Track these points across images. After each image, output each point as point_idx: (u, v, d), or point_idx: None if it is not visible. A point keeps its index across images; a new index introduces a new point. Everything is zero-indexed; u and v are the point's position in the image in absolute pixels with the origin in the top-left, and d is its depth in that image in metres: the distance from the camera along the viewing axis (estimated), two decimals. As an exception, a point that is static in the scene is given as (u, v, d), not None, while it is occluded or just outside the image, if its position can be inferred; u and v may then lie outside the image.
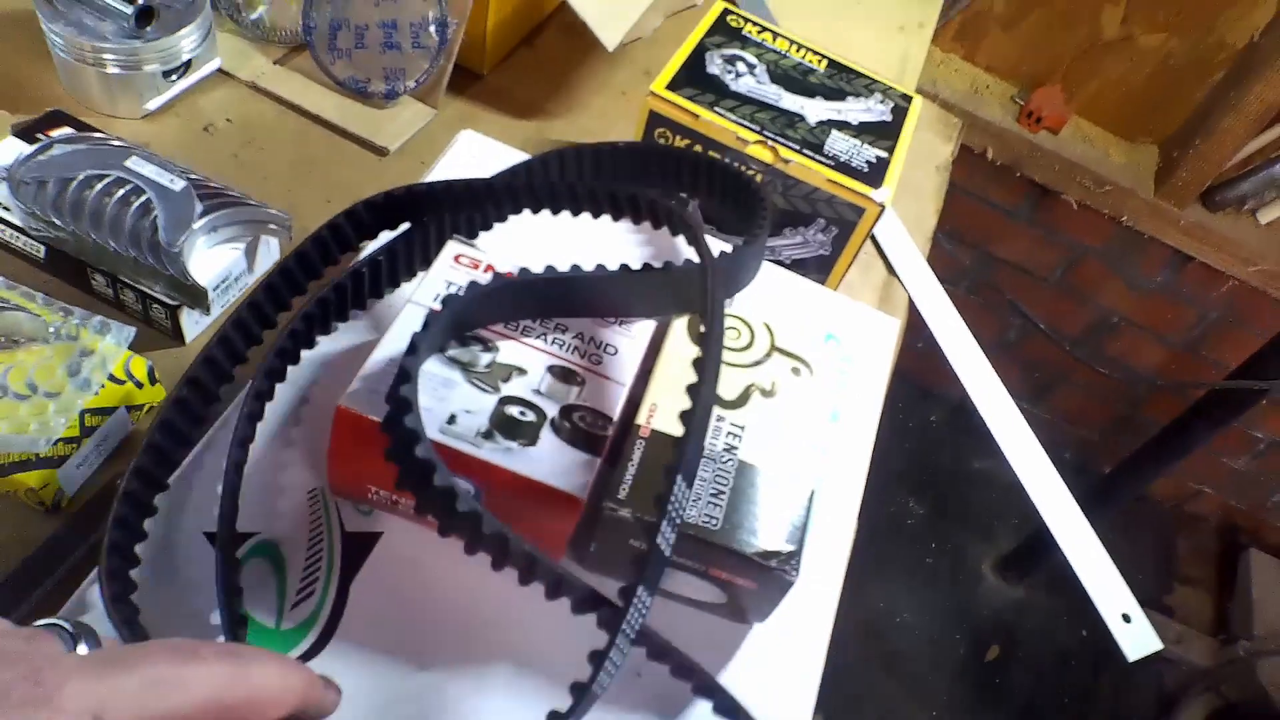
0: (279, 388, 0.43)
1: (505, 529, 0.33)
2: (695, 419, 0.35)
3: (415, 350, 0.35)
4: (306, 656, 0.37)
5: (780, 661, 0.43)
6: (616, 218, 0.47)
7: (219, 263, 0.53)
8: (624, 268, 0.42)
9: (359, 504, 0.41)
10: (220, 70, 0.66)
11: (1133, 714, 1.62)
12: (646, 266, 0.42)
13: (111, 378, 0.48)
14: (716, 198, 0.55)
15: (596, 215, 0.47)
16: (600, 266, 0.41)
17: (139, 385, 0.49)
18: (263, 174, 0.62)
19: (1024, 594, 1.67)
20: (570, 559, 0.42)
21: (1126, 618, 0.61)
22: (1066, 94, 1.44)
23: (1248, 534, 1.87)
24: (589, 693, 0.31)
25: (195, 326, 0.54)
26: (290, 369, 0.42)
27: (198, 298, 0.52)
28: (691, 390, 0.37)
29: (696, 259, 0.43)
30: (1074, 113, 1.47)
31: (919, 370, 1.72)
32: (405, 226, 0.45)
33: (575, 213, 0.47)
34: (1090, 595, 0.61)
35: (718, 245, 0.48)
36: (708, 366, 0.37)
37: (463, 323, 0.39)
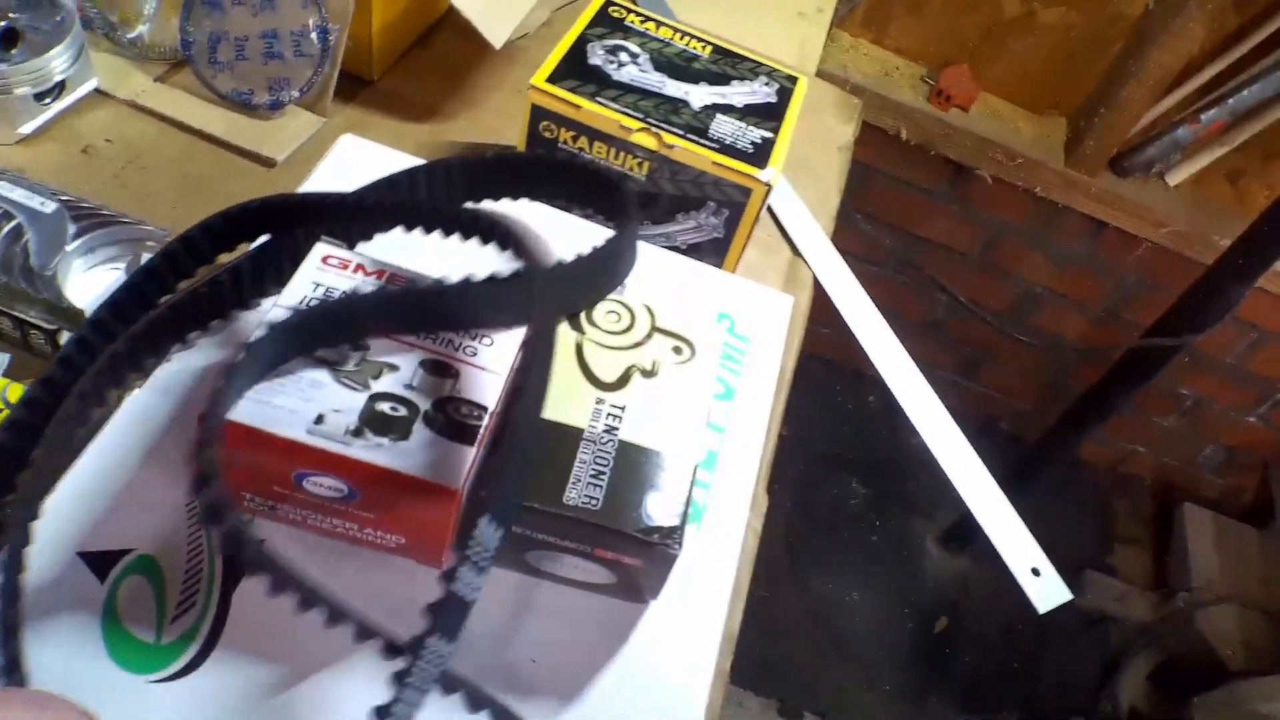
0: (153, 402, 0.42)
1: (283, 562, 0.32)
2: (507, 441, 0.34)
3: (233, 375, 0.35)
4: (187, 670, 0.37)
5: (680, 636, 0.43)
6: (466, 238, 0.47)
7: (98, 284, 0.52)
8: (467, 279, 0.40)
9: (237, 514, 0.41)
10: (98, 90, 0.65)
11: (1080, 675, 1.65)
12: (490, 277, 0.41)
13: (-12, 406, 0.47)
14: (588, 200, 0.54)
15: (447, 235, 0.47)
16: (465, 278, 0.40)
17: (18, 412, 0.48)
18: (146, 193, 0.62)
19: (968, 565, 1.69)
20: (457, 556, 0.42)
21: (1035, 571, 0.62)
22: (974, 72, 1.47)
23: (1181, 490, 1.92)
24: None
25: (78, 349, 0.53)
26: (157, 376, 0.42)
27: (75, 320, 0.51)
28: (511, 404, 0.36)
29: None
30: (982, 90, 1.50)
31: (851, 356, 1.74)
32: (265, 238, 0.44)
33: (429, 232, 0.46)
34: (999, 552, 0.63)
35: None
36: (529, 381, 0.36)
37: (280, 356, 0.38)
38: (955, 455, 0.66)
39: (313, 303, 0.40)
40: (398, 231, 0.45)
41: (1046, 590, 0.61)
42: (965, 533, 1.66)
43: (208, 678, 0.37)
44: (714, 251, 0.65)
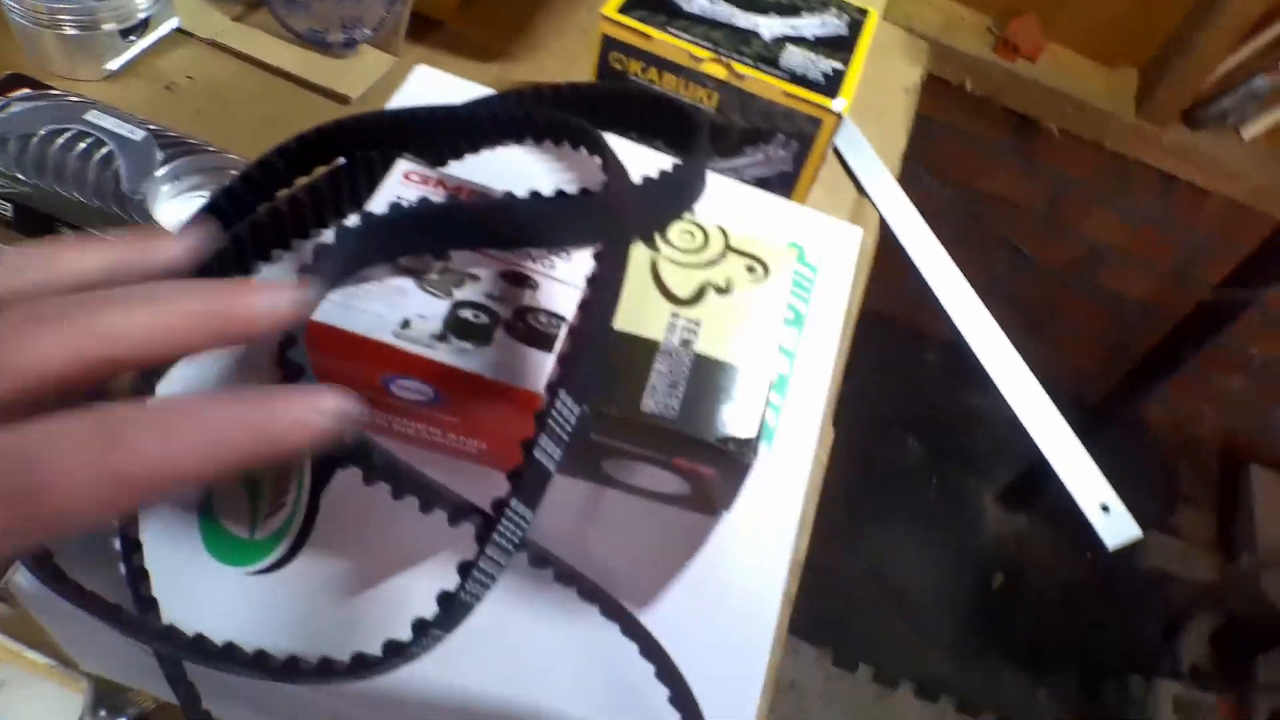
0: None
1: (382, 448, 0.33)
2: (585, 332, 0.34)
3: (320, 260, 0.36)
4: (282, 563, 0.39)
5: (751, 552, 0.44)
6: (556, 142, 0.48)
7: (184, 210, 0.54)
8: (540, 195, 0.41)
9: (328, 420, 0.42)
10: (179, 29, 0.67)
11: (1141, 634, 1.63)
12: (564, 194, 0.42)
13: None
14: (660, 130, 0.54)
15: (538, 141, 0.48)
16: (533, 193, 0.41)
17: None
18: (226, 129, 0.63)
19: (1026, 524, 1.68)
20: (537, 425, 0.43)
21: (1105, 508, 0.62)
22: (1042, 22, 1.44)
23: (1247, 452, 1.87)
24: (456, 601, 0.30)
25: (166, 274, 0.54)
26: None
27: (165, 243, 0.52)
28: (585, 305, 0.36)
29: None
30: (1051, 40, 1.46)
31: (909, 314, 1.73)
32: (343, 161, 0.45)
33: (517, 140, 0.47)
34: (1068, 489, 0.62)
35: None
36: (604, 285, 0.36)
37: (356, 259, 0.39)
38: (1024, 396, 0.66)
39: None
40: (483, 150, 0.46)
41: (1116, 526, 0.61)
42: (1025, 491, 1.64)
43: (302, 569, 0.38)
44: (782, 186, 0.64)
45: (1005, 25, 1.44)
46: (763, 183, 0.64)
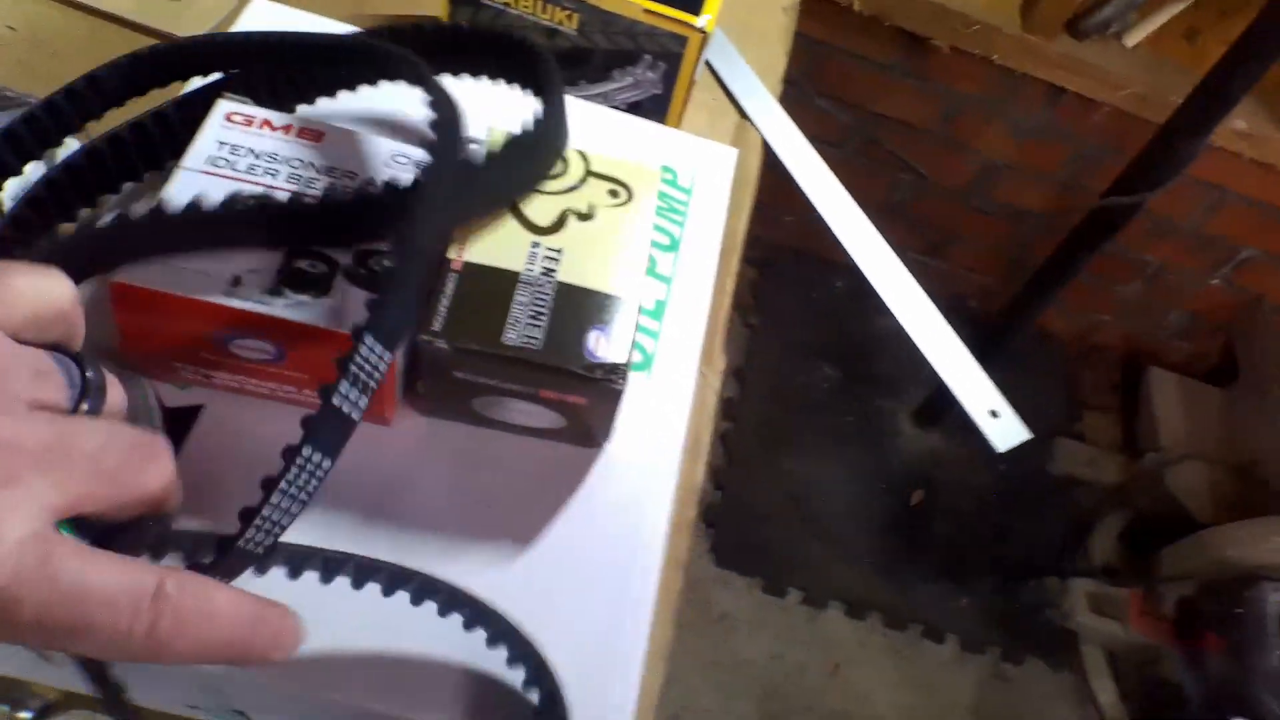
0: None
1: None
2: (395, 272, 0.32)
3: None
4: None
5: (634, 482, 0.43)
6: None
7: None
8: (366, 192, 0.38)
9: (174, 382, 0.40)
10: (-4, -23, 0.61)
11: (1054, 537, 1.70)
12: (391, 187, 0.38)
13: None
14: (509, 73, 0.51)
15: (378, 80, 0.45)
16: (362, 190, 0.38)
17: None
18: (57, 79, 0.58)
19: (940, 440, 1.72)
20: (407, 407, 0.42)
21: (994, 413, 0.63)
22: (926, -63, 1.43)
23: (1147, 357, 1.94)
24: (236, 548, 0.28)
25: None
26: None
27: (-11, 208, 0.49)
28: (397, 243, 0.34)
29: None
30: (935, -45, 1.45)
31: (816, 243, 1.74)
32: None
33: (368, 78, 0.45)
34: (957, 398, 0.63)
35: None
36: (417, 222, 0.33)
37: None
38: (915, 312, 0.66)
39: (219, 164, 0.39)
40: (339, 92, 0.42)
41: (1005, 430, 0.62)
42: (936, 408, 1.68)
43: (151, 540, 0.36)
44: (655, 110, 0.63)
45: (890, -57, 1.43)
46: (635, 108, 0.62)
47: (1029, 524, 1.69)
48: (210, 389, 0.40)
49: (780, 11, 0.87)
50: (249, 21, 0.52)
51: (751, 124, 0.75)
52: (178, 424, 0.39)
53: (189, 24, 0.62)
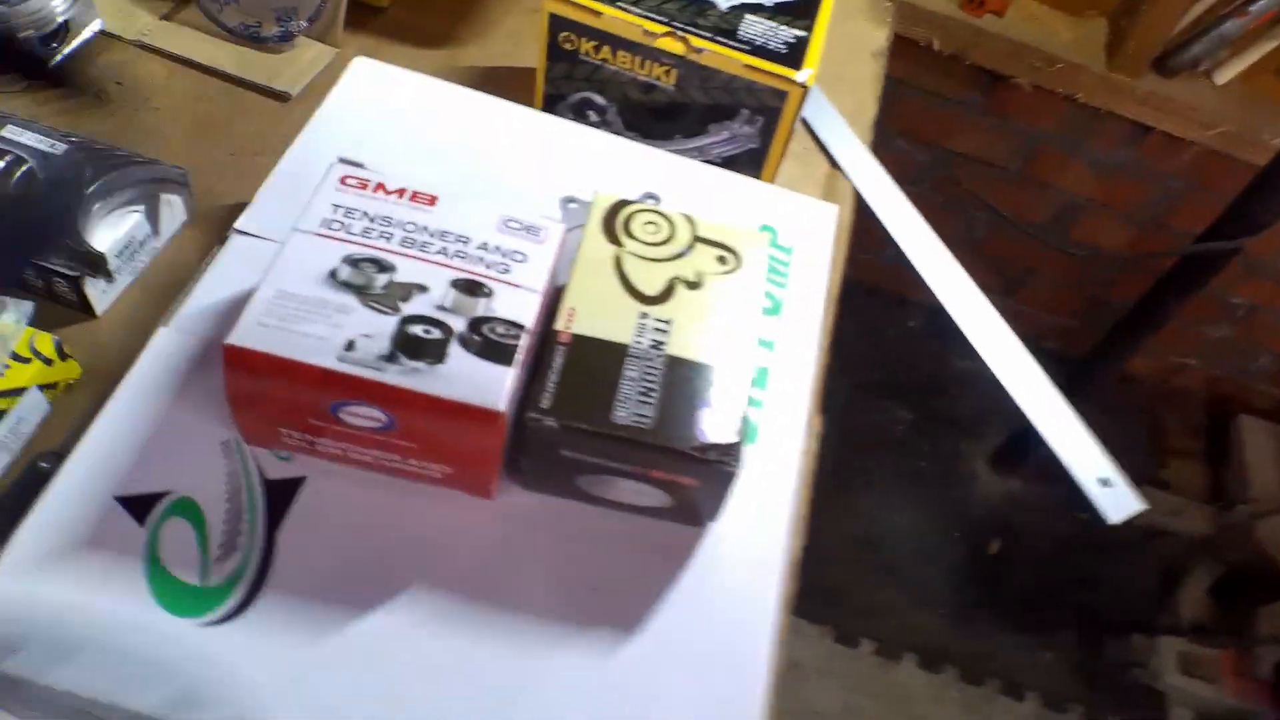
0: (176, 341, 0.41)
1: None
2: None
3: None
4: (237, 612, 0.36)
5: (741, 560, 0.41)
6: None
7: (118, 227, 0.51)
8: None
9: (275, 450, 0.39)
10: (103, 32, 0.63)
11: (1139, 590, 1.63)
12: None
13: (16, 357, 0.46)
14: None
15: None
16: None
17: (47, 362, 0.47)
18: (162, 135, 0.59)
19: (1019, 486, 1.66)
20: (508, 479, 0.41)
21: (1105, 482, 0.60)
22: (1008, -25, 1.41)
23: (1235, 402, 1.86)
24: None
25: (103, 297, 0.51)
26: (180, 314, 0.40)
27: (97, 265, 0.49)
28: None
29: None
30: (1017, -7, 1.43)
31: (892, 280, 1.70)
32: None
33: None
34: (1067, 465, 0.60)
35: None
36: None
37: None
38: (1013, 366, 0.63)
39: (334, 226, 0.38)
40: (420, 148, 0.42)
41: (1118, 500, 0.59)
42: (1015, 453, 1.63)
43: (260, 619, 0.36)
44: (750, 164, 0.61)
45: (971, -20, 1.41)
46: (730, 161, 0.61)
47: (1113, 575, 1.63)
48: (312, 456, 0.40)
49: (870, 58, 0.85)
50: (351, 81, 0.52)
51: (843, 173, 0.73)
52: (279, 496, 0.39)
53: (289, 78, 0.63)
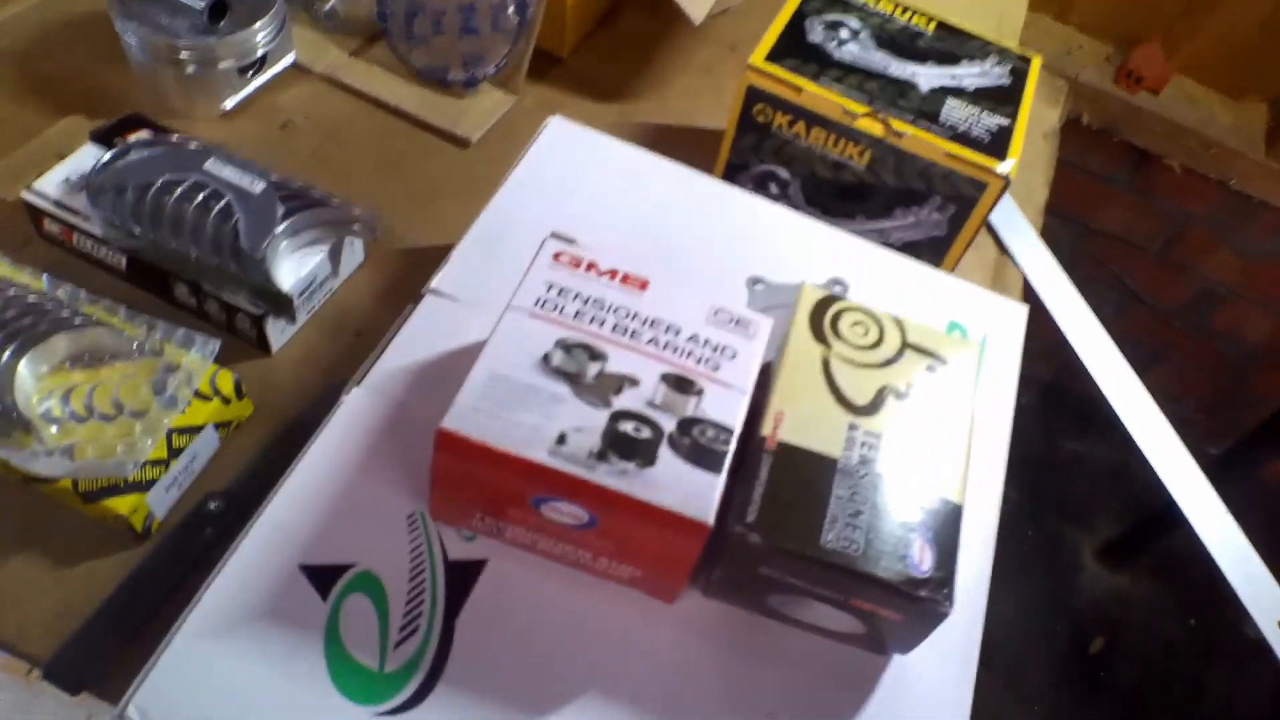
0: (367, 403, 0.40)
1: None
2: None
3: None
4: (412, 703, 0.34)
5: (928, 696, 0.39)
6: None
7: (302, 267, 0.51)
8: None
9: (461, 530, 0.38)
10: (295, 65, 0.63)
11: (1249, 704, 1.53)
12: None
13: (198, 393, 0.46)
14: None
15: None
16: None
17: (226, 401, 0.47)
18: (343, 171, 0.60)
19: (1128, 583, 1.59)
20: (693, 587, 0.39)
21: (1288, 626, 0.55)
22: (1167, 51, 1.35)
23: (1369, 513, 1.75)
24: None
25: (280, 336, 0.51)
26: (372, 375, 0.40)
27: (282, 306, 0.49)
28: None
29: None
30: (1176, 71, 1.37)
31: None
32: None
33: None
34: (1243, 604, 0.56)
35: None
36: None
37: None
38: (1192, 493, 0.60)
39: (548, 306, 0.37)
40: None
41: (1300, 647, 0.54)
42: (1130, 549, 1.55)
43: (434, 713, 0.34)
44: (932, 251, 0.59)
45: (1127, 54, 1.36)
46: (911, 246, 0.59)
47: (1222, 687, 1.54)
48: (497, 541, 0.38)
49: (1041, 138, 0.82)
50: (547, 140, 0.51)
51: (1012, 260, 0.70)
52: (460, 579, 0.37)
53: (470, 124, 0.63)
